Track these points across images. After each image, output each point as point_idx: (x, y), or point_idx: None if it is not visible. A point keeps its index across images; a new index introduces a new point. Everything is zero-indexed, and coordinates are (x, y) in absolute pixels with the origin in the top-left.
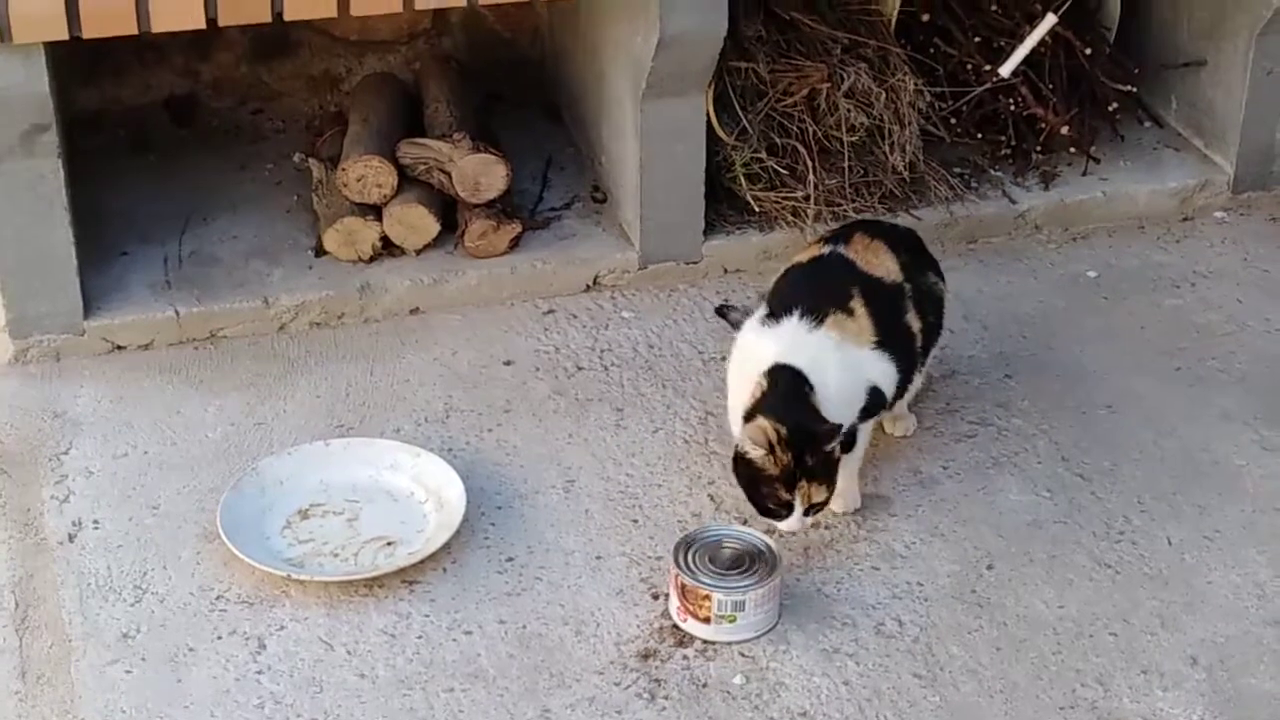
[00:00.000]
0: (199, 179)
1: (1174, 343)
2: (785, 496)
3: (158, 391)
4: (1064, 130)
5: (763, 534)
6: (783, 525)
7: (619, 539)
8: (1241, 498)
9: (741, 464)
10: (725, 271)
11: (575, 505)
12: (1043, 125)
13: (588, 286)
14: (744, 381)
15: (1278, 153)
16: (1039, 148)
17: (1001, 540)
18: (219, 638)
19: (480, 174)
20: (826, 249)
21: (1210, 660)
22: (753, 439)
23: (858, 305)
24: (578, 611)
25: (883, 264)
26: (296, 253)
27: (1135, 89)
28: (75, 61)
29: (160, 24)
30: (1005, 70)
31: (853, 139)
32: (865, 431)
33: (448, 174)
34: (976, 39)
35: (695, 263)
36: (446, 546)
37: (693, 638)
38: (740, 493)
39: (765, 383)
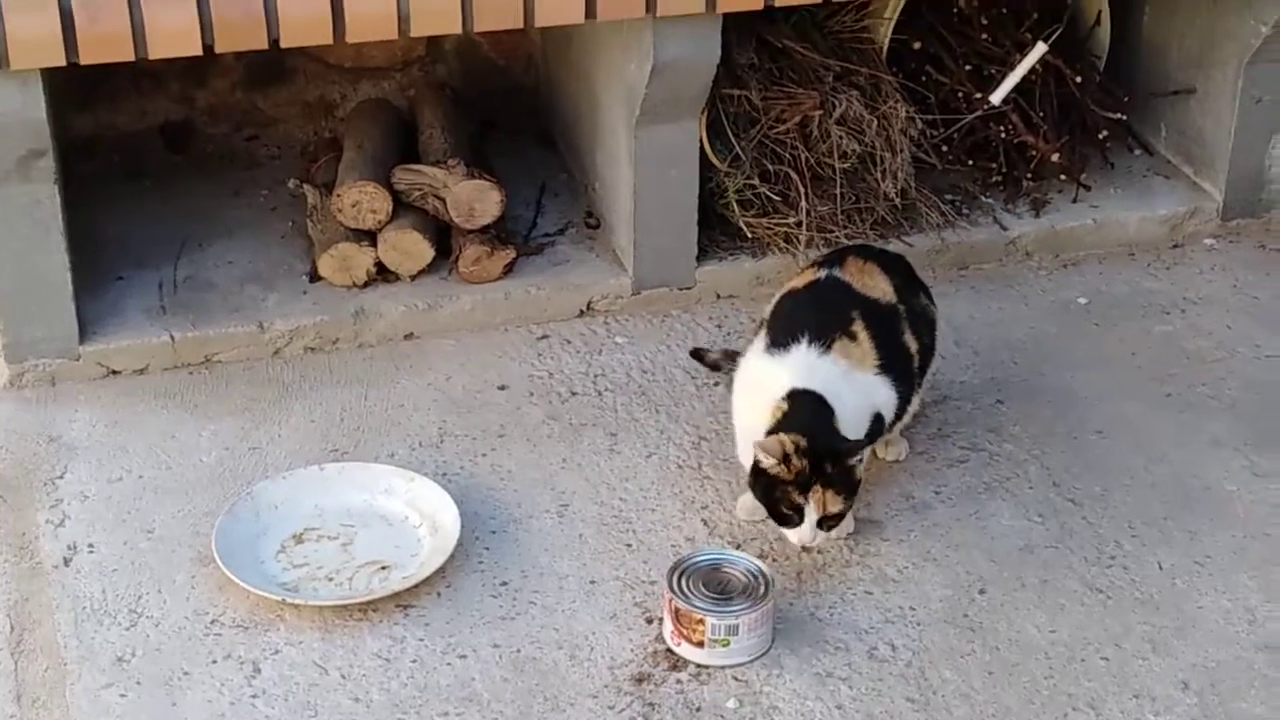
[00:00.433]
0: (194, 205)
1: (1164, 369)
2: (798, 500)
3: (153, 416)
4: (1055, 157)
5: (756, 559)
6: (793, 535)
7: (613, 563)
8: (1232, 523)
9: (758, 475)
10: (718, 297)
11: (569, 530)
12: (1033, 152)
13: (581, 312)
14: (755, 409)
15: (1266, 180)
16: (1030, 175)
17: (993, 565)
18: (214, 661)
19: (475, 200)
20: (822, 273)
21: (1201, 685)
22: (767, 450)
23: (859, 329)
24: (572, 635)
25: (878, 286)
26: (291, 278)
27: (1125, 117)
28: (71, 87)
29: (158, 51)
30: (996, 98)
31: (845, 166)
32: (863, 458)
33: (442, 200)
34: (967, 67)
35: (688, 288)
36: (441, 571)
37: (686, 662)
38: (733, 517)
39: (786, 406)
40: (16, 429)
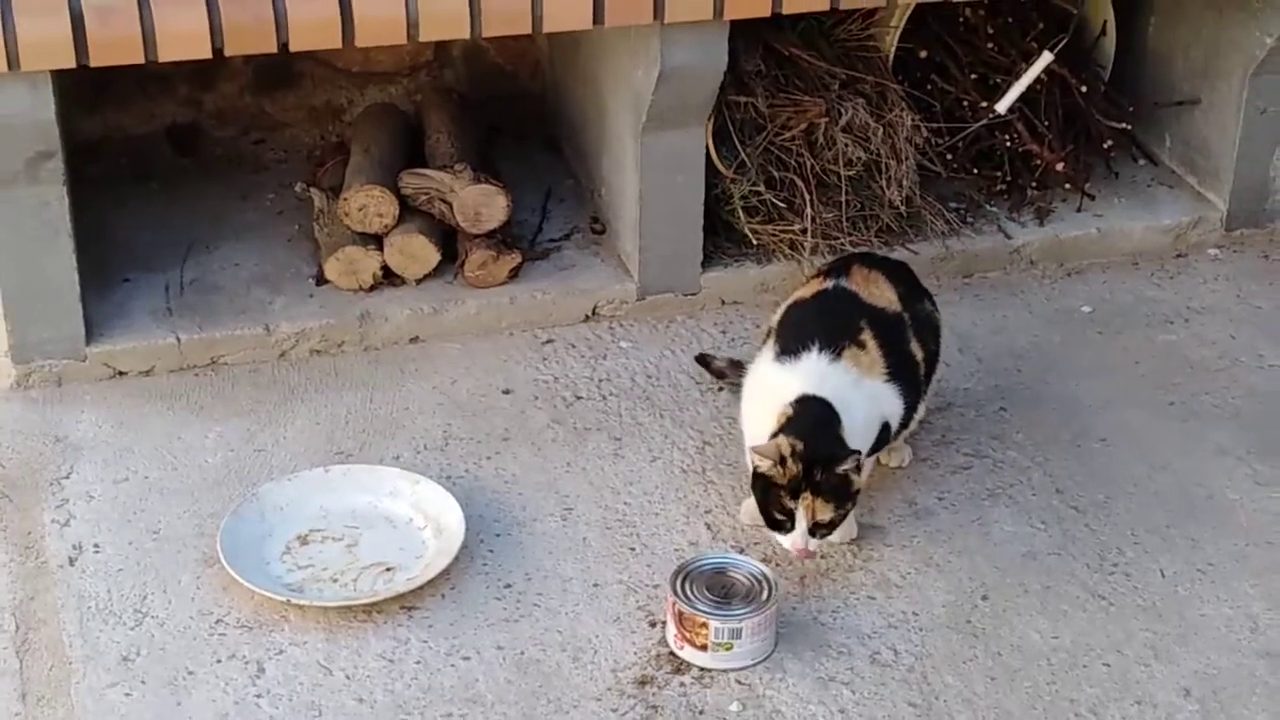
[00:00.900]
0: (201, 207)
1: (1168, 378)
2: (789, 505)
3: (159, 417)
4: (1059, 167)
5: (760, 563)
6: (785, 541)
7: (616, 567)
8: (1235, 531)
9: (756, 477)
10: (723, 303)
11: (573, 533)
12: (1038, 161)
13: (586, 317)
14: (764, 415)
15: (1271, 190)
16: (1034, 184)
17: (996, 571)
18: (218, 661)
19: (481, 205)
20: (829, 283)
21: (1203, 692)
22: (763, 452)
23: (868, 338)
24: (575, 638)
25: (884, 294)
26: (298, 281)
27: (1130, 126)
28: (80, 90)
29: (167, 54)
30: (1001, 107)
31: (850, 173)
32: (867, 466)
33: (448, 204)
34: (973, 76)
35: (693, 294)
36: (445, 573)
37: (689, 665)
38: (737, 521)
39: (791, 411)
40: (23, 429)
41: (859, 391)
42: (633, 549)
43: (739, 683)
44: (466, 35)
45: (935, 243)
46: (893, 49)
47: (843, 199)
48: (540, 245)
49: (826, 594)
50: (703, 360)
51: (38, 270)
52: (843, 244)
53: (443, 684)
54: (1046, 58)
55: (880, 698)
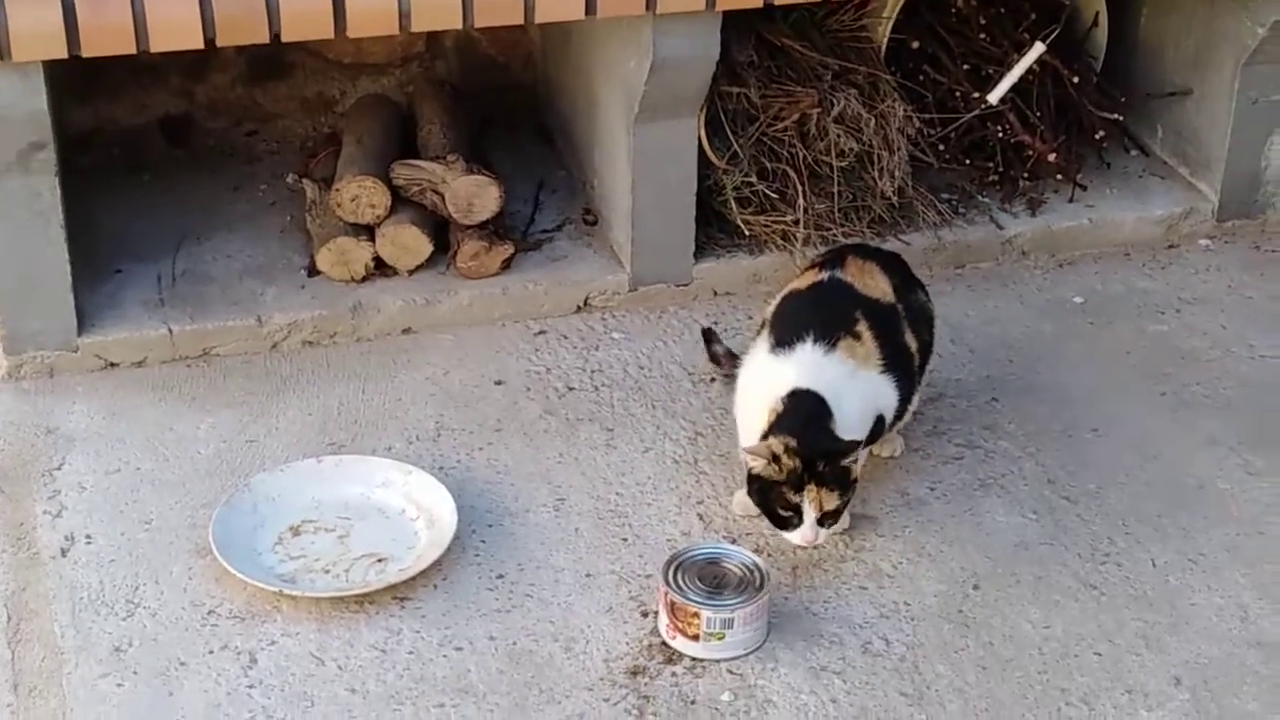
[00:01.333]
0: (193, 198)
1: (1159, 368)
2: (794, 499)
3: (151, 408)
4: (1051, 157)
5: (752, 553)
6: (795, 536)
7: (609, 557)
8: (1226, 521)
9: (752, 480)
10: (715, 294)
11: (565, 523)
12: (1030, 152)
13: (579, 308)
14: (759, 407)
15: (1262, 181)
16: (1026, 174)
17: (988, 561)
18: (210, 652)
19: (473, 195)
20: (824, 275)
21: (1194, 681)
22: (754, 453)
23: (863, 329)
24: (567, 628)
25: (878, 286)
26: (290, 272)
27: (1122, 117)
28: (71, 80)
29: (159, 44)
30: (994, 97)
31: (842, 164)
32: (861, 457)
33: (441, 195)
34: (965, 66)
35: (685, 285)
36: (437, 563)
37: (681, 655)
38: (729, 512)
39: (781, 407)
40: (15, 420)
41: (854, 383)
42: (625, 539)
43: (731, 672)
44: (459, 26)
45: (927, 233)
46: (885, 39)
47: (835, 190)
48: (532, 236)
49: (818, 584)
50: (708, 336)
51: (29, 261)
52: (835, 235)
53: (435, 674)
54: (1038, 48)
55: (872, 687)
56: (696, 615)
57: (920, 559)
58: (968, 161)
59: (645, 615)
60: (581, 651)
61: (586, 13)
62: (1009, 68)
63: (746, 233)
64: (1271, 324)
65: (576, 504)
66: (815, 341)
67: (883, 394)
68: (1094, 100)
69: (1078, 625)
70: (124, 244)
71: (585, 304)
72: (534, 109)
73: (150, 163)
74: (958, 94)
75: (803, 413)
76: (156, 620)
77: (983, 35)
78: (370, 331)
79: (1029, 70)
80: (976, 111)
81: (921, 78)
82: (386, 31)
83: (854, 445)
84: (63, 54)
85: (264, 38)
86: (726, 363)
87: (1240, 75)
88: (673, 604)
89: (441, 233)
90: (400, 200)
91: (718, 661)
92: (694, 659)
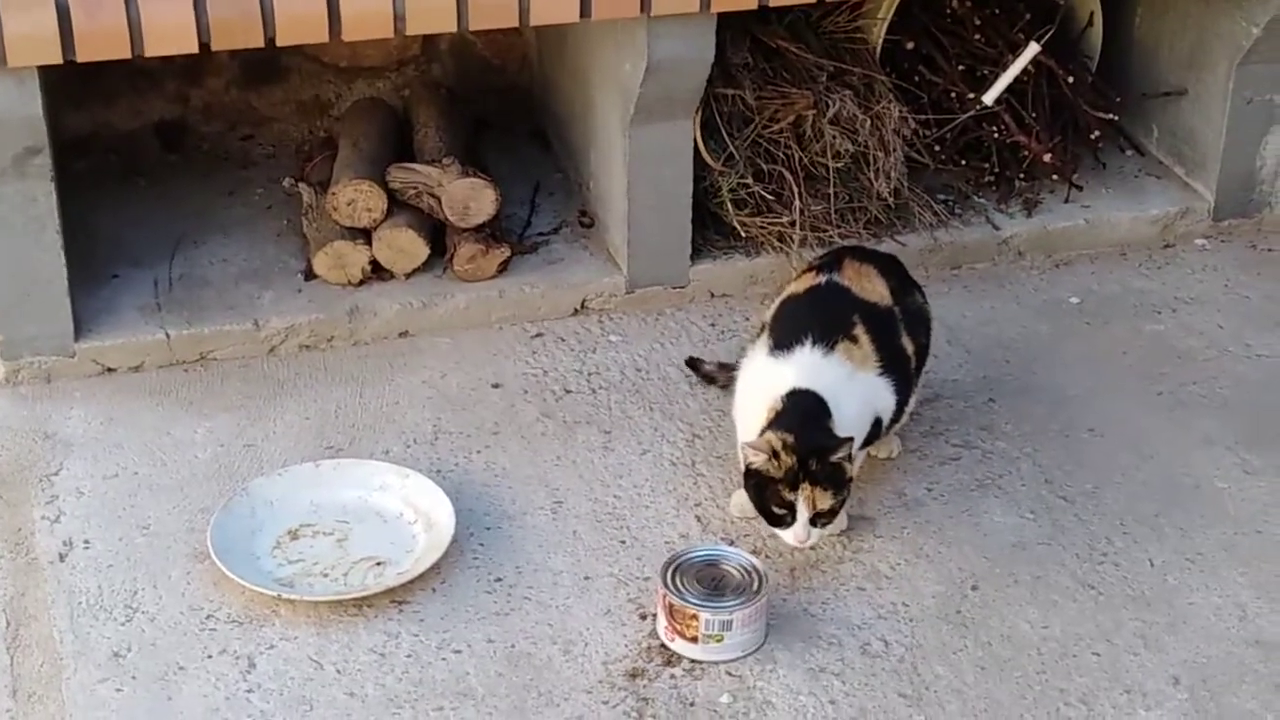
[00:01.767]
0: (189, 203)
1: (1156, 368)
2: (788, 497)
3: (148, 413)
4: (1047, 158)
5: (750, 555)
6: (788, 535)
7: (607, 559)
8: (1223, 520)
9: (749, 475)
10: (712, 296)
11: (563, 526)
12: (1026, 152)
13: (575, 310)
14: (756, 409)
15: (1257, 180)
16: (1022, 175)
17: (986, 561)
18: (209, 656)
19: (469, 199)
20: (822, 278)
21: (1192, 680)
22: (755, 447)
23: (860, 332)
24: (566, 631)
25: (875, 289)
26: (286, 276)
27: (1117, 117)
28: (67, 85)
29: (154, 48)
30: (989, 98)
31: (838, 165)
32: (859, 458)
33: (437, 198)
34: (960, 67)
35: (682, 287)
36: (435, 567)
37: (680, 657)
38: (727, 514)
39: (780, 405)
40: (12, 425)
41: (852, 385)
42: (623, 542)
43: (730, 674)
44: (454, 29)
45: (923, 234)
46: (880, 41)
47: (831, 191)
48: (529, 239)
49: (816, 585)
50: (693, 364)
51: (26, 267)
52: (831, 236)
53: (434, 677)
54: (1033, 49)
55: (870, 688)
56: (695, 617)
57: (918, 560)
58: (963, 162)
59: (644, 617)
60: (580, 654)
61: (581, 15)
62: (1004, 68)
63: (743, 234)
64: (1268, 323)
65: (574, 506)
66: (814, 344)
67: (880, 396)
68: (1089, 100)
69: (1076, 625)
70: (120, 249)
71: (582, 306)
72: (529, 112)
73: (146, 167)
74: (953, 95)
75: (802, 411)
76: (155, 625)
77: (978, 36)
78: (367, 335)
79: (1024, 71)
80: (972, 112)
81: (917, 79)
82: (381, 35)
83: (848, 441)
84: (58, 59)
85: (259, 42)
86: (721, 374)
87: (1235, 75)
88: (671, 606)
89: (438, 236)
90: (397, 204)
91: (716, 663)
92: (693, 661)
